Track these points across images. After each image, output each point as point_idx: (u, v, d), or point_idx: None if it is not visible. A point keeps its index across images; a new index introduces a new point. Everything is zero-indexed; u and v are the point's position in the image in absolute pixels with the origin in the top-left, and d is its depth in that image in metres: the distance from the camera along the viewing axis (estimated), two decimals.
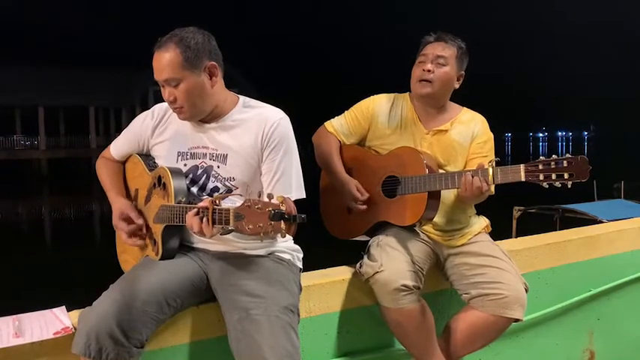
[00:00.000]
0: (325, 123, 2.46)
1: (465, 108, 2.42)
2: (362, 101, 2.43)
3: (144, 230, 1.94)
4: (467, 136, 2.34)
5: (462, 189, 2.11)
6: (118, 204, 1.99)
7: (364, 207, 2.29)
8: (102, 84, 39.48)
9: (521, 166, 2.02)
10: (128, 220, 1.95)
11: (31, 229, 21.27)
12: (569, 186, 1.96)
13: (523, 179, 2.01)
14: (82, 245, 15.38)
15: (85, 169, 33.55)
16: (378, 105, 2.39)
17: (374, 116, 2.37)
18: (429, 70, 2.27)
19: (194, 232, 1.66)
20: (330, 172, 2.39)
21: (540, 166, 1.99)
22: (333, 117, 2.46)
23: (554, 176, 1.96)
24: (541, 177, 1.98)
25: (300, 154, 1.94)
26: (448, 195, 2.29)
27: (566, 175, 1.95)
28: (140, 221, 1.94)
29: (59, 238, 18.73)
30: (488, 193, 2.18)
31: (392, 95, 2.42)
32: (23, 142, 39.15)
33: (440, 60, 2.29)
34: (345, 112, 2.44)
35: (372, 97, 2.43)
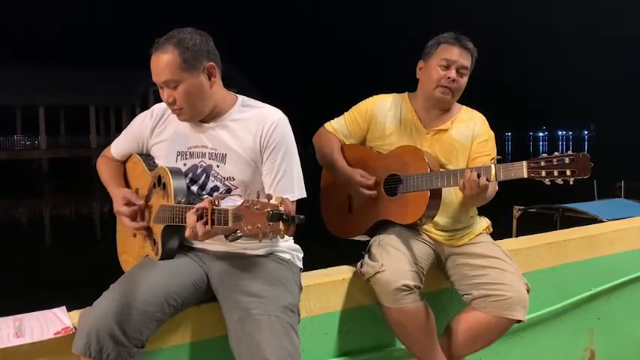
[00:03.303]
0: (325, 124, 2.46)
1: (464, 106, 2.41)
2: (361, 102, 2.43)
3: (146, 213, 1.94)
4: (467, 136, 2.34)
5: (463, 187, 2.10)
6: (119, 192, 2.00)
7: (374, 192, 2.28)
8: (102, 84, 39.46)
9: (524, 163, 2.01)
10: (130, 205, 1.95)
11: (31, 228, 21.26)
12: (571, 182, 1.95)
13: (525, 176, 2.00)
14: (82, 245, 15.37)
15: (86, 169, 33.50)
16: (377, 106, 2.38)
17: (373, 117, 2.37)
18: (454, 80, 2.27)
19: (187, 236, 1.66)
20: (334, 169, 2.38)
21: (542, 163, 1.98)
22: (334, 117, 2.46)
23: (556, 173, 1.96)
24: (543, 173, 1.97)
25: (300, 154, 1.94)
26: (450, 194, 2.29)
27: (568, 172, 1.94)
28: (140, 202, 1.94)
29: (59, 237, 18.71)
30: (492, 192, 2.17)
31: (391, 96, 2.42)
32: (24, 142, 39.19)
33: (463, 70, 2.29)
34: (345, 113, 2.44)
35: (371, 97, 2.43)
